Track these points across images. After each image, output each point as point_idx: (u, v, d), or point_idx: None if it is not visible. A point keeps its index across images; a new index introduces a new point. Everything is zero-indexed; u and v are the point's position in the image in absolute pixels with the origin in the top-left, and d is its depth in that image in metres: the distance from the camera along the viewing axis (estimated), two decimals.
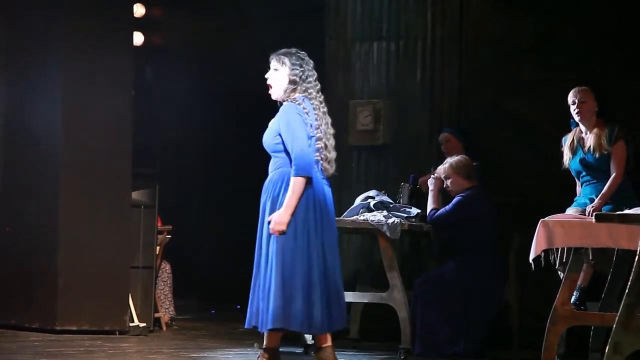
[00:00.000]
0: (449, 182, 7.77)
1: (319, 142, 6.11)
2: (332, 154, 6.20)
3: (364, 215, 7.58)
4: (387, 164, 8.99)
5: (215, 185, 11.48)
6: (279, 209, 6.00)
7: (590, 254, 6.20)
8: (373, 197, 7.74)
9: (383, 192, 7.90)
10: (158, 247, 8.66)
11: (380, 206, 7.65)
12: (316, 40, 9.28)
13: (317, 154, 6.11)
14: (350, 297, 8.02)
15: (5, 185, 8.44)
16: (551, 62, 8.53)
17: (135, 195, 8.41)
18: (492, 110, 8.71)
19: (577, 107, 7.21)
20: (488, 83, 8.75)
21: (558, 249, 6.24)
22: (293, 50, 6.23)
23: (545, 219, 6.27)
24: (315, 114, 6.13)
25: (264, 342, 6.16)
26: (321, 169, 6.15)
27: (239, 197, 10.35)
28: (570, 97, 7.25)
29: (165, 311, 8.92)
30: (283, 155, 6.09)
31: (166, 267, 9.03)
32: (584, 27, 8.43)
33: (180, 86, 10.81)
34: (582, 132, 7.28)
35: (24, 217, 8.24)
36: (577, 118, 7.24)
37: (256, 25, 10.57)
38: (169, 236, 8.89)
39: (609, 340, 4.94)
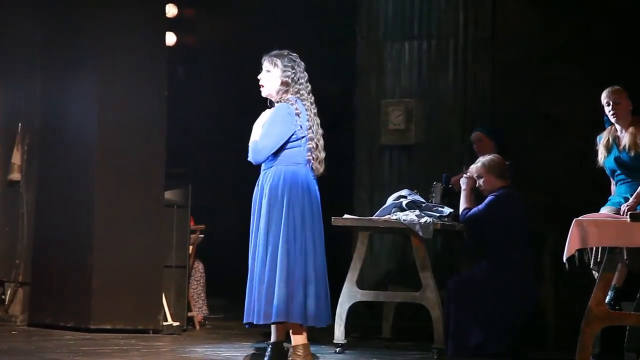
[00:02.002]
0: (481, 181, 7.74)
1: (310, 142, 6.28)
2: (322, 154, 6.35)
3: (396, 215, 7.57)
4: (419, 163, 8.98)
5: (247, 185, 11.46)
6: (277, 205, 6.14)
7: (625, 254, 6.16)
8: (405, 197, 7.73)
9: (415, 191, 7.88)
10: (191, 247, 8.68)
11: (412, 205, 7.64)
12: (348, 39, 9.28)
13: (309, 153, 6.27)
14: (382, 296, 8.03)
15: (40, 186, 8.50)
16: (583, 61, 8.49)
17: (168, 195, 8.44)
18: (524, 110, 8.69)
19: (612, 109, 7.15)
20: (520, 82, 8.73)
21: (592, 248, 6.21)
22: (285, 52, 6.35)
23: (579, 218, 6.23)
24: (307, 115, 6.26)
25: (272, 337, 6.30)
26: (311, 168, 6.29)
27: None
28: (604, 99, 7.19)
29: (199, 310, 8.94)
30: (275, 152, 6.24)
31: (199, 267, 9.05)
32: (616, 25, 8.39)
33: (213, 86, 10.83)
34: (617, 131, 7.23)
35: (59, 216, 8.29)
36: (612, 119, 7.19)
37: (288, 25, 10.58)
38: (202, 235, 8.91)
39: None
